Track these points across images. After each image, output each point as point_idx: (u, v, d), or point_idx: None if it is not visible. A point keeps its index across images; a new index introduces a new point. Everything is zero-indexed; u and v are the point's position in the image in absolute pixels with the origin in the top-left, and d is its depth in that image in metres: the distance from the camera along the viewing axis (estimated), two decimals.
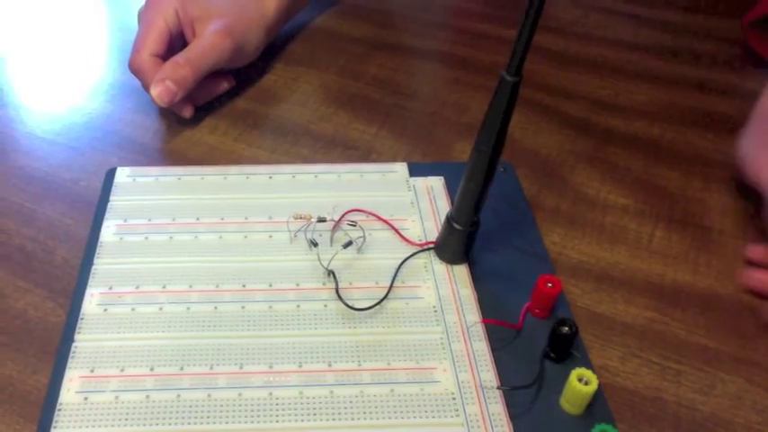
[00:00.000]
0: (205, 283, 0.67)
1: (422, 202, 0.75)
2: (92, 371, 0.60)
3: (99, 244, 0.70)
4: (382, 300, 0.66)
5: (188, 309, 0.65)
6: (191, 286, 0.67)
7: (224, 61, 0.85)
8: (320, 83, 0.94)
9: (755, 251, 0.71)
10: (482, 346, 0.63)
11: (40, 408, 0.58)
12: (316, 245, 0.70)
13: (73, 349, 0.62)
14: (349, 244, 0.70)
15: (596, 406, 0.58)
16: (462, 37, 1.03)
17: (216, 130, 0.86)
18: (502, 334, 0.63)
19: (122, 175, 0.78)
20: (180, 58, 0.82)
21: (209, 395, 0.59)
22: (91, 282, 0.67)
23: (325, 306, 0.66)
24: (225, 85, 0.89)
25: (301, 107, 0.90)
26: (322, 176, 0.78)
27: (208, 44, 0.83)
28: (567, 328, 0.60)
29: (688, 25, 1.06)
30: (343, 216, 0.72)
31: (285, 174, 0.78)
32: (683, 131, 0.87)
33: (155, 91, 0.79)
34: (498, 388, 0.60)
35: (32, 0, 1.11)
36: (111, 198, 0.75)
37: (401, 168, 0.79)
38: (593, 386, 0.57)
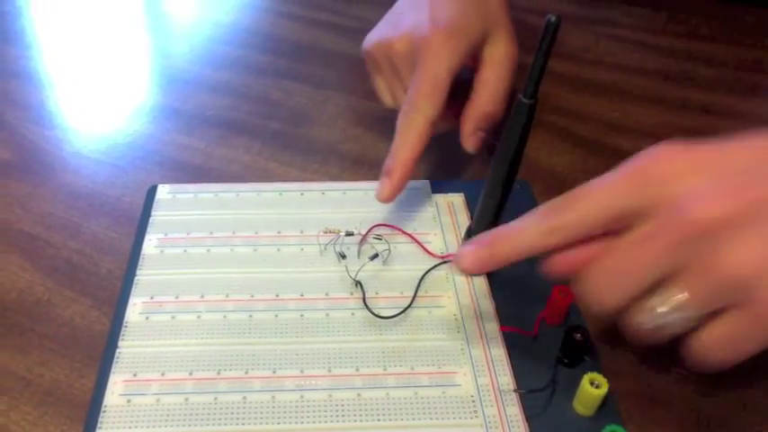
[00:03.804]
0: (240, 293, 0.67)
1: (443, 217, 0.75)
2: (134, 375, 0.60)
3: (141, 256, 0.71)
4: (406, 308, 0.66)
5: (224, 317, 0.65)
6: (227, 296, 0.67)
7: None
8: (348, 105, 0.94)
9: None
10: (500, 352, 0.63)
11: (86, 409, 0.59)
12: (344, 257, 0.71)
13: (117, 355, 0.62)
14: (375, 256, 0.70)
15: (607, 408, 0.58)
16: None
17: (250, 150, 0.86)
18: (518, 340, 0.63)
19: (163, 191, 0.78)
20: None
21: (244, 398, 0.59)
22: (134, 292, 0.67)
23: (353, 314, 0.66)
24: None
25: (330, 128, 0.90)
26: (350, 193, 0.78)
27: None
28: (579, 335, 0.60)
29: (692, 52, 1.05)
30: (369, 230, 0.72)
31: (315, 190, 0.78)
32: None
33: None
34: (515, 391, 0.60)
35: (79, 28, 1.11)
36: (153, 213, 0.75)
37: (424, 186, 0.79)
38: (604, 389, 0.56)
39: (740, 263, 0.46)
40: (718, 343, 0.50)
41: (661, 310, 0.50)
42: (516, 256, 0.58)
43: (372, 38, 0.80)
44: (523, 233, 0.57)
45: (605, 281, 0.52)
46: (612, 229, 0.52)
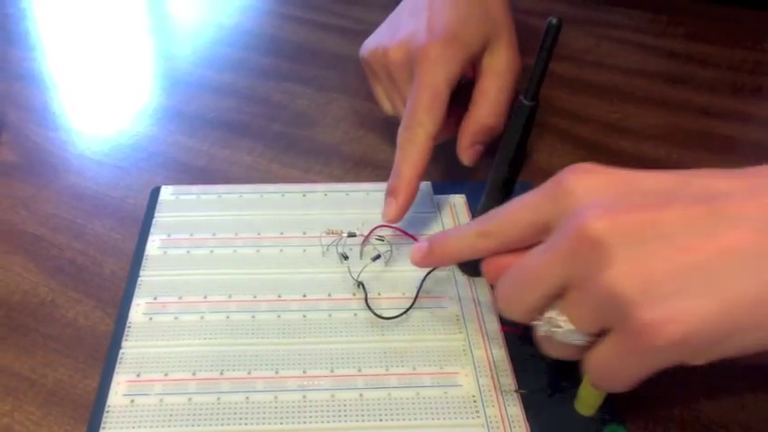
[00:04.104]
0: (243, 294, 0.67)
1: (445, 219, 0.75)
2: (138, 375, 0.61)
3: (144, 257, 0.71)
4: (408, 309, 0.66)
5: (227, 317, 0.65)
6: (230, 296, 0.67)
7: None
8: (350, 107, 0.94)
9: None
10: (501, 353, 0.63)
11: (90, 410, 0.59)
12: (346, 258, 0.71)
13: (120, 355, 0.62)
14: (377, 257, 0.70)
15: (607, 408, 0.58)
16: None
17: (253, 151, 0.86)
18: (520, 341, 0.63)
19: (166, 193, 0.78)
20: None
21: (247, 398, 0.59)
22: (137, 292, 0.67)
23: (356, 315, 0.66)
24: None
25: (333, 130, 0.90)
26: (352, 194, 0.78)
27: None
28: None
29: (692, 54, 1.05)
30: (371, 231, 0.72)
31: (318, 192, 0.79)
32: (687, 153, 0.86)
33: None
34: (516, 391, 0.60)
35: (83, 30, 1.11)
36: (156, 214, 0.75)
37: (425, 187, 0.79)
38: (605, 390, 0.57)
39: (614, 280, 0.45)
40: (598, 366, 0.50)
41: (552, 323, 0.50)
42: (454, 254, 0.59)
43: (369, 45, 0.80)
44: (459, 235, 0.57)
45: (508, 289, 0.52)
46: (537, 239, 0.52)
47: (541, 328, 0.51)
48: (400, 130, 0.70)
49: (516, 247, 0.54)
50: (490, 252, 0.55)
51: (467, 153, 0.75)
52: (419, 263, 0.60)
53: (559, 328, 0.49)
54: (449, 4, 0.76)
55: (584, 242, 0.46)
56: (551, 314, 0.50)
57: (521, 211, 0.53)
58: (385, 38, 0.77)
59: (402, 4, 0.82)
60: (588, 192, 0.49)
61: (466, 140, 0.75)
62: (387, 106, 0.81)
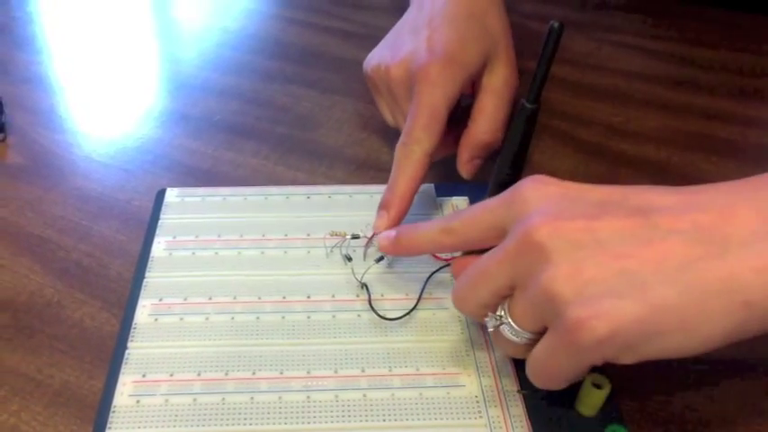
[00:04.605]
0: (248, 295, 0.67)
1: None
2: (143, 376, 0.61)
3: (150, 259, 0.71)
4: (411, 310, 0.66)
5: (232, 318, 0.65)
6: (235, 298, 0.67)
7: None
8: (354, 110, 0.94)
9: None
10: (503, 354, 0.63)
11: (96, 410, 0.59)
12: (350, 259, 0.71)
13: (126, 356, 0.62)
14: (381, 259, 0.70)
15: (609, 408, 0.58)
16: None
17: (258, 154, 0.86)
18: None
19: (172, 195, 0.78)
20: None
21: (251, 398, 0.59)
22: (143, 294, 0.68)
23: (359, 316, 0.66)
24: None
25: (336, 132, 0.90)
26: (356, 197, 0.78)
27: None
28: None
29: (693, 57, 1.05)
30: (375, 233, 0.72)
31: (322, 194, 0.79)
32: (688, 155, 0.86)
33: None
34: (518, 392, 0.60)
35: (89, 34, 1.12)
36: (162, 216, 0.75)
37: (428, 189, 0.79)
38: (606, 390, 0.57)
39: (551, 280, 0.48)
40: (535, 364, 0.53)
41: (499, 320, 0.54)
42: (418, 246, 0.63)
43: (371, 61, 0.81)
44: (425, 229, 0.62)
45: (462, 285, 0.56)
46: (495, 241, 0.55)
47: (489, 323, 0.54)
48: (398, 145, 0.71)
49: (477, 247, 0.57)
50: (452, 248, 0.61)
51: (466, 167, 0.77)
52: (386, 250, 0.65)
53: (505, 325, 0.53)
54: (447, 20, 0.77)
55: (528, 245, 0.50)
56: (500, 312, 0.53)
57: (482, 213, 0.57)
58: (387, 55, 0.78)
59: (403, 18, 0.83)
60: (540, 200, 0.52)
61: (465, 155, 0.76)
62: (389, 119, 0.82)
